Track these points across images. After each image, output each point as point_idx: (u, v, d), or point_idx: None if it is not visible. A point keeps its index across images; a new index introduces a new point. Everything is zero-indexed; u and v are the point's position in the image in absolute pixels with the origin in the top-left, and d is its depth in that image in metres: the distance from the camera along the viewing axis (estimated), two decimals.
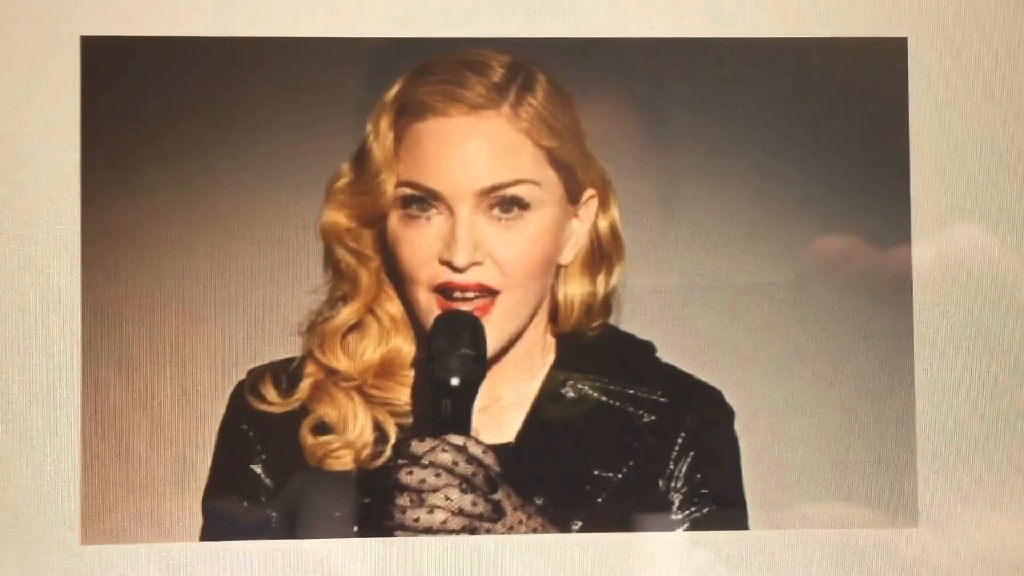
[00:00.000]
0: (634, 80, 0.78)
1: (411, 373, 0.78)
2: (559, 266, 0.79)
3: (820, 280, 0.78)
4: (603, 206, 0.79)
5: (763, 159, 0.79)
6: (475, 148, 0.76)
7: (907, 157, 0.78)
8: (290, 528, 0.76)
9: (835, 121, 0.79)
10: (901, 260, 0.78)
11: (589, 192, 0.79)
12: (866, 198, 0.79)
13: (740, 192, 0.79)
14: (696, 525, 0.77)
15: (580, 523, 0.77)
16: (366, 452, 0.77)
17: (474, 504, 0.73)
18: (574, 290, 0.79)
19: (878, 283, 0.78)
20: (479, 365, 0.75)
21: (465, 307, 0.76)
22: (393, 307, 0.79)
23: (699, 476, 0.78)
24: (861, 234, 0.78)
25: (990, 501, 0.77)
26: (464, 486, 0.73)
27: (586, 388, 0.79)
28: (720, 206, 0.79)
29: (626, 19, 0.78)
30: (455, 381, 0.74)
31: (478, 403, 0.75)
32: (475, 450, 0.73)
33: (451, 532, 0.73)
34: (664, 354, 0.79)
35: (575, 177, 0.78)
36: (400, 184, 0.77)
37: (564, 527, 0.77)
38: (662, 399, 0.79)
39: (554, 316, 0.80)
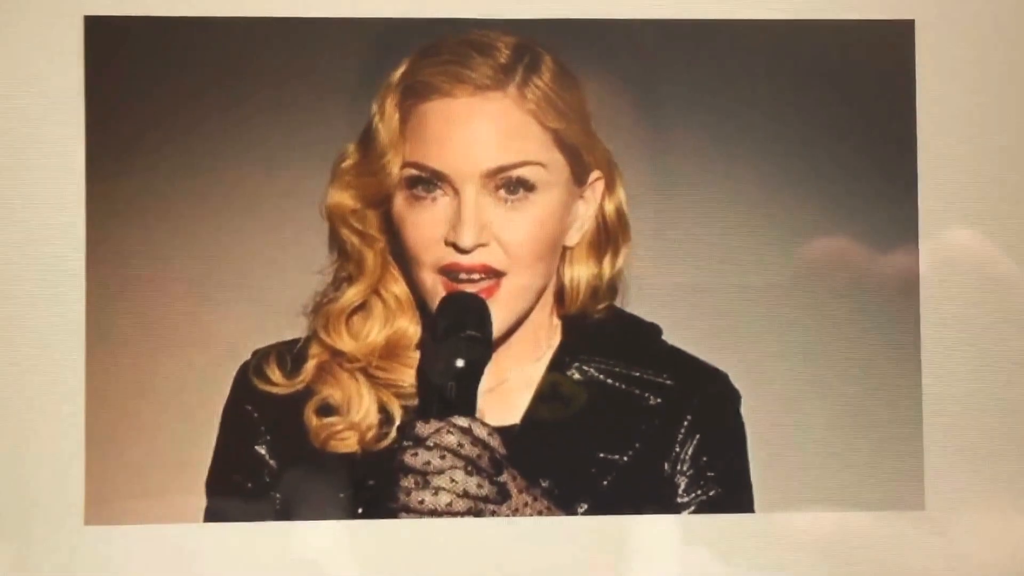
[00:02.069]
0: (638, 62, 0.78)
1: (416, 355, 0.78)
2: (565, 248, 0.79)
3: (828, 265, 0.78)
4: (609, 188, 0.79)
5: (768, 142, 0.79)
6: (481, 129, 0.76)
7: (914, 143, 0.78)
8: (294, 510, 0.76)
9: (841, 103, 0.79)
10: (910, 246, 0.78)
11: (595, 174, 0.79)
12: (872, 184, 0.79)
13: (746, 175, 0.79)
14: (702, 508, 0.77)
15: (585, 506, 0.77)
16: (371, 434, 0.77)
17: (479, 486, 0.73)
18: (580, 272, 0.79)
19: (886, 270, 0.78)
20: (484, 347, 0.75)
21: (471, 289, 0.76)
22: (398, 288, 0.78)
23: (705, 459, 0.78)
24: (870, 221, 0.78)
25: (997, 485, 0.77)
26: (469, 468, 0.73)
27: (592, 370, 0.79)
28: (726, 189, 0.79)
29: (632, 0, 0.77)
30: (460, 363, 0.74)
31: (483, 385, 0.75)
32: (480, 432, 0.73)
33: (456, 514, 0.73)
34: (670, 337, 0.79)
35: (581, 159, 0.78)
36: (406, 165, 0.76)
37: (569, 509, 0.76)
38: (668, 381, 0.79)
39: (560, 298, 0.79)
